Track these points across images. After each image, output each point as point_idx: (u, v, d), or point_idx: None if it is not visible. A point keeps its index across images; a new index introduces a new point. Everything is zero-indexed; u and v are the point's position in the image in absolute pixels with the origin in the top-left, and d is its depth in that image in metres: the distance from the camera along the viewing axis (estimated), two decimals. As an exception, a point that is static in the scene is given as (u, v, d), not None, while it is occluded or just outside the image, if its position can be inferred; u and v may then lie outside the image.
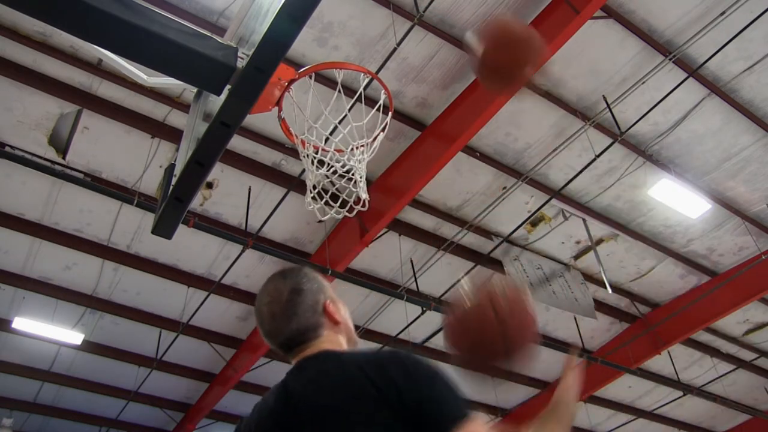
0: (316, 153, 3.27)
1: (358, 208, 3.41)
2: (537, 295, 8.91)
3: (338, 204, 3.47)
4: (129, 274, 8.90)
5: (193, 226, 6.95)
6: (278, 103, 3.01)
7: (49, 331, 9.15)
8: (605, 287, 8.74)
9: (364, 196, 3.27)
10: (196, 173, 2.60)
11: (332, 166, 3.26)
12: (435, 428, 1.33)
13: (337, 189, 3.70)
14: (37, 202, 7.84)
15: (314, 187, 3.38)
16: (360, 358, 1.50)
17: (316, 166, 3.28)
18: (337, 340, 1.69)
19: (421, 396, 1.36)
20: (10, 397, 11.05)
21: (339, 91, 3.24)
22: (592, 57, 6.85)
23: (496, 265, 9.08)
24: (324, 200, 3.49)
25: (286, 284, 1.70)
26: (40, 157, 6.98)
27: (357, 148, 3.30)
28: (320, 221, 8.44)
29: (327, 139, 3.51)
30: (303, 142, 3.29)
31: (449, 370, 1.43)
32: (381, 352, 1.48)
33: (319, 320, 1.68)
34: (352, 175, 3.28)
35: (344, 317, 1.76)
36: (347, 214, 3.39)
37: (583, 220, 8.68)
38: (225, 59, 2.36)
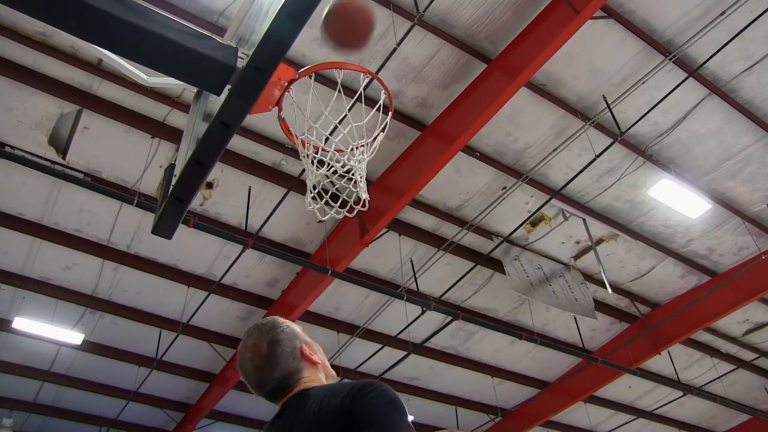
0: (316, 153, 3.26)
1: (359, 208, 3.41)
2: (537, 295, 8.92)
3: (338, 204, 3.46)
4: (129, 274, 8.90)
5: (193, 226, 6.95)
6: (278, 103, 3.01)
7: (49, 331, 9.15)
8: (605, 287, 8.74)
9: (365, 196, 3.26)
10: (196, 173, 2.60)
11: (332, 167, 3.26)
12: None
13: (337, 189, 3.70)
14: (37, 202, 7.84)
15: (314, 188, 3.38)
16: (334, 388, 1.68)
17: (316, 166, 3.28)
18: (317, 378, 1.86)
19: (369, 419, 1.52)
20: (10, 397, 11.05)
21: (339, 91, 3.23)
22: (592, 57, 6.85)
23: (496, 265, 9.08)
24: (324, 200, 3.49)
25: (263, 338, 1.85)
26: (40, 157, 6.98)
27: (357, 148, 3.30)
28: (320, 221, 8.44)
29: (327, 139, 3.51)
30: (303, 142, 3.28)
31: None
32: (351, 383, 1.64)
33: (298, 365, 1.84)
34: (352, 175, 3.28)
35: (321, 357, 1.93)
36: (347, 214, 3.39)
37: (583, 220, 8.68)
38: (225, 59, 2.36)
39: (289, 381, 1.81)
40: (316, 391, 1.76)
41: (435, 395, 11.98)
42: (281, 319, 1.94)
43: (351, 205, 3.36)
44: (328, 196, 3.53)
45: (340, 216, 3.42)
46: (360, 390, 1.58)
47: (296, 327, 1.95)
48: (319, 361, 1.90)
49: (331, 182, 3.39)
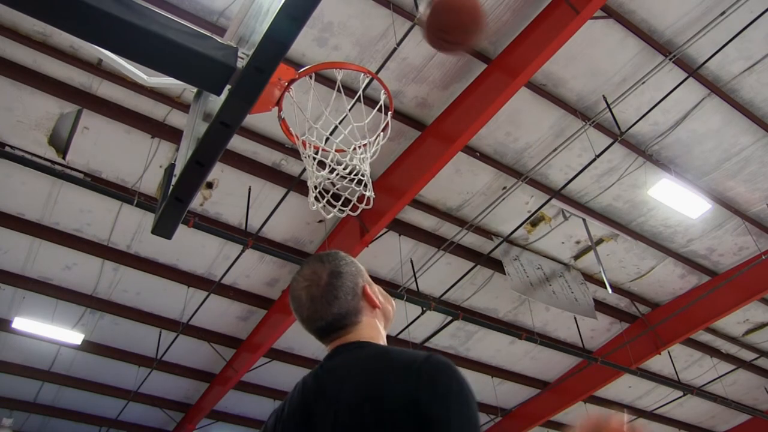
0: (317, 153, 3.26)
1: (362, 206, 3.38)
2: (537, 295, 8.92)
3: (340, 203, 3.45)
4: (129, 274, 8.90)
5: (193, 226, 6.96)
6: (278, 103, 3.01)
7: (49, 331, 9.15)
8: (605, 287, 8.74)
9: (369, 194, 3.25)
10: (196, 173, 2.60)
11: (334, 169, 3.26)
12: None
13: (338, 189, 3.70)
14: (37, 202, 7.84)
15: (315, 188, 3.38)
16: (398, 360, 1.45)
17: (317, 168, 3.28)
18: (375, 326, 1.67)
19: (441, 417, 1.33)
20: (10, 397, 11.05)
21: (339, 91, 3.23)
22: (592, 57, 6.85)
23: (496, 265, 9.08)
24: (326, 199, 3.48)
25: (324, 267, 1.66)
26: (40, 157, 6.97)
27: (359, 148, 3.30)
28: (320, 221, 8.44)
29: (327, 139, 3.51)
30: (304, 143, 3.28)
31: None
32: (420, 359, 1.42)
33: (359, 304, 1.65)
34: (354, 175, 3.28)
35: (382, 301, 1.74)
36: (351, 212, 3.37)
37: (583, 220, 8.68)
38: (225, 59, 2.36)
39: (346, 321, 1.62)
40: (375, 351, 1.54)
41: (435, 395, 11.95)
42: (345, 253, 1.75)
43: (354, 204, 3.34)
44: (329, 195, 3.53)
45: (344, 215, 3.42)
46: (433, 378, 1.36)
47: (361, 265, 1.76)
48: (380, 306, 1.71)
49: (332, 183, 3.39)
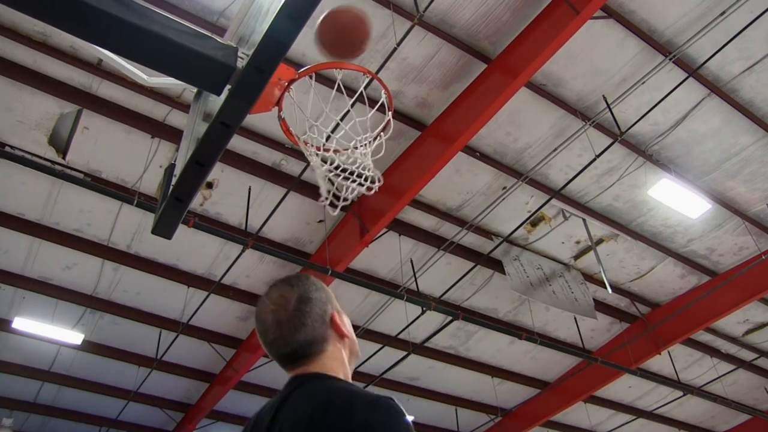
0: (318, 152, 3.26)
1: (376, 186, 3.31)
2: (537, 295, 8.92)
3: (348, 192, 3.38)
4: (129, 274, 8.90)
5: (193, 226, 6.95)
6: (278, 103, 3.01)
7: (49, 331, 9.15)
8: (605, 287, 8.74)
9: (373, 173, 3.22)
10: (196, 173, 2.60)
11: (338, 164, 3.24)
12: None
13: (337, 189, 3.69)
14: (37, 202, 7.84)
15: (327, 179, 3.34)
16: (344, 400, 1.39)
17: (321, 164, 3.27)
18: (340, 356, 1.62)
19: None
20: (10, 397, 11.04)
21: (339, 90, 3.23)
22: (592, 57, 6.85)
23: (496, 265, 9.08)
24: (331, 193, 3.47)
25: (293, 291, 1.61)
26: (40, 157, 6.98)
27: (358, 147, 3.29)
28: (320, 221, 8.45)
29: (329, 137, 3.51)
30: (306, 143, 3.28)
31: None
32: (364, 402, 1.36)
33: (326, 332, 1.60)
34: (356, 167, 3.26)
35: (349, 330, 1.69)
36: (367, 192, 3.29)
37: (583, 220, 8.68)
38: (225, 59, 2.36)
39: (312, 349, 1.56)
40: (328, 387, 1.48)
41: (435, 395, 11.97)
42: (315, 278, 1.69)
43: (368, 186, 3.28)
44: (335, 187, 3.52)
45: (353, 195, 3.37)
46: (369, 424, 1.30)
47: (331, 291, 1.70)
48: (347, 335, 1.65)
49: (330, 181, 3.39)
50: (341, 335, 1.64)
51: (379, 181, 3.27)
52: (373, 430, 1.29)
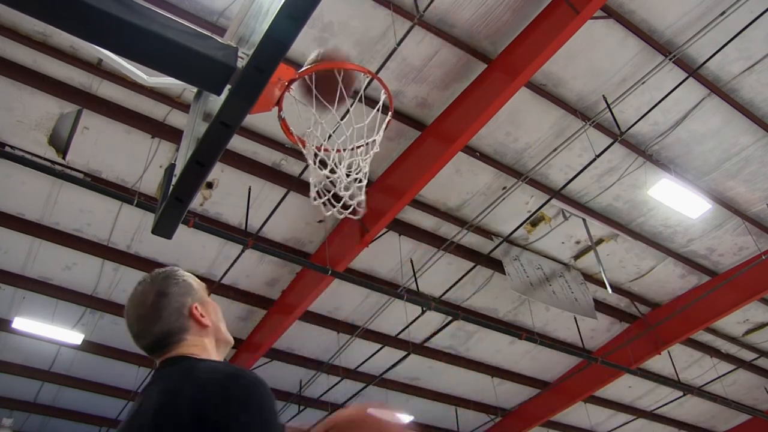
0: (318, 152, 3.26)
1: (362, 210, 3.36)
2: (537, 295, 8.92)
3: (340, 204, 3.43)
4: (129, 274, 8.89)
5: (193, 226, 6.95)
6: (278, 103, 3.01)
7: (49, 331, 9.14)
8: (605, 287, 8.74)
9: (360, 195, 3.25)
10: (196, 173, 2.59)
11: (334, 170, 3.24)
12: None
13: (335, 194, 3.69)
14: (37, 202, 7.84)
15: (314, 186, 3.36)
16: (203, 374, 1.47)
17: (319, 166, 3.27)
18: (202, 343, 1.71)
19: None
20: (10, 397, 11.05)
21: (339, 90, 3.23)
22: (592, 57, 6.85)
23: (496, 265, 9.08)
24: (326, 197, 3.47)
25: (152, 287, 1.74)
26: (40, 157, 6.98)
27: (357, 148, 3.29)
28: (320, 221, 8.45)
29: (330, 136, 3.51)
30: (304, 142, 3.28)
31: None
32: (222, 375, 1.43)
33: (184, 324, 1.71)
34: (354, 172, 3.27)
35: (213, 320, 1.79)
36: (352, 216, 3.35)
37: (583, 220, 8.68)
38: (225, 59, 2.36)
39: (169, 339, 1.67)
40: (188, 365, 1.56)
41: (435, 395, 11.97)
42: (181, 272, 1.81)
43: (355, 208, 3.33)
44: (330, 194, 3.52)
45: (342, 216, 3.41)
46: (229, 393, 1.35)
47: (195, 282, 1.82)
48: (209, 324, 1.76)
49: (332, 183, 3.38)
50: (201, 325, 1.74)
51: (362, 206, 3.32)
52: (236, 399, 1.34)
